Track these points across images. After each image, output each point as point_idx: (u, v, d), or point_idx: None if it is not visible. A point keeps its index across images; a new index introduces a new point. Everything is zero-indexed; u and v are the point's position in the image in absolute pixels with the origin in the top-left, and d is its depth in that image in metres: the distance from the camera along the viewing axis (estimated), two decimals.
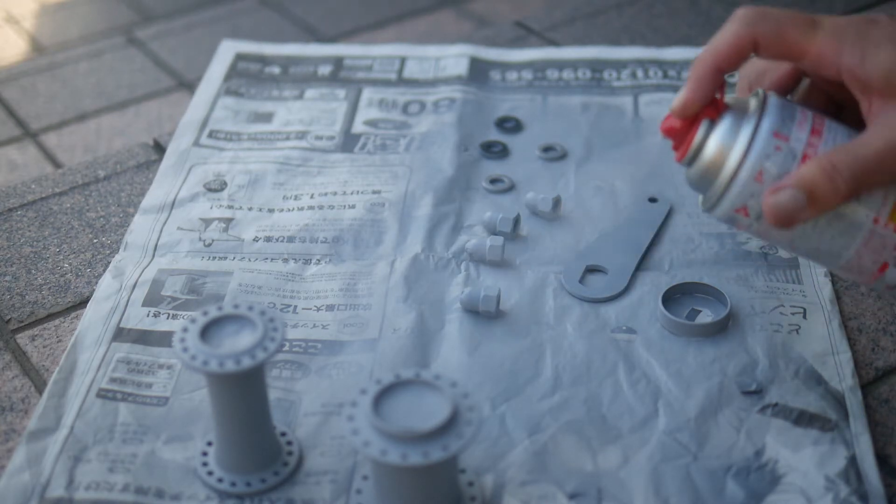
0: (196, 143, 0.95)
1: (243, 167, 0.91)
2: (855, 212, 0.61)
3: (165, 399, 0.69)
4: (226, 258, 0.81)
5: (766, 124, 0.61)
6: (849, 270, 0.64)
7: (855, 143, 0.60)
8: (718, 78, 0.62)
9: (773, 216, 0.60)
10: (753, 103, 0.62)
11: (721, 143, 0.62)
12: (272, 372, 0.70)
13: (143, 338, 0.73)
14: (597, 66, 1.04)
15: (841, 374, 0.69)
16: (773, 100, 0.62)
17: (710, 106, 0.63)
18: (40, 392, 0.71)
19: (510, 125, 0.96)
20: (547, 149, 0.92)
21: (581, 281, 0.77)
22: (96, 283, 0.80)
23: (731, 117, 0.62)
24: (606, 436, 0.66)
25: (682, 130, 0.64)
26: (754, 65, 0.67)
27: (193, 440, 0.66)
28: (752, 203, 0.62)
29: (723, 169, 0.62)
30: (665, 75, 1.01)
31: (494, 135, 0.95)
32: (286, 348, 0.72)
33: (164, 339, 0.73)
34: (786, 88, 0.67)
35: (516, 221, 0.82)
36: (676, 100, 0.63)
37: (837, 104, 0.66)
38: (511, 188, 0.88)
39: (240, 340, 0.59)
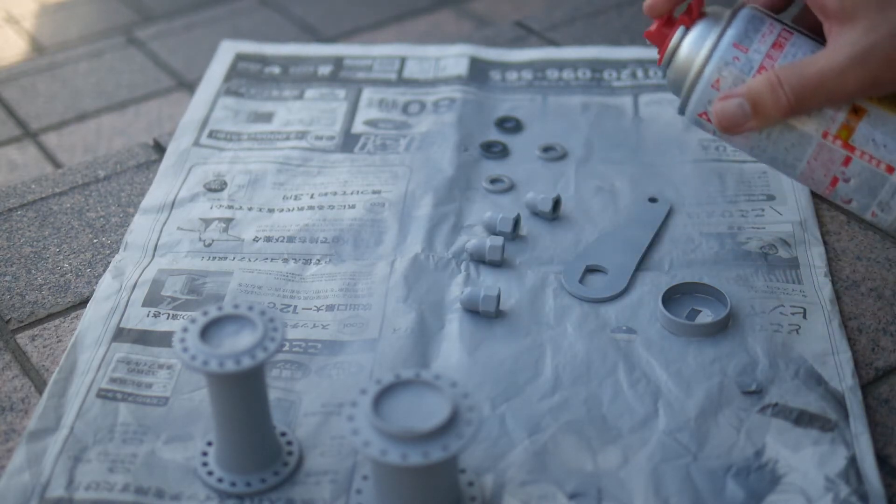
0: (196, 143, 0.95)
1: (243, 167, 0.91)
2: (805, 125, 0.66)
3: (165, 399, 0.69)
4: (226, 258, 0.81)
5: (729, 34, 0.66)
6: (806, 182, 0.69)
7: (804, 61, 0.64)
8: None
9: (719, 122, 0.65)
10: (728, 14, 0.67)
11: (690, 48, 0.68)
12: (272, 372, 0.70)
13: (143, 338, 0.73)
14: (597, 66, 1.04)
15: (841, 374, 0.69)
16: (743, 11, 0.67)
17: (686, 14, 0.68)
18: (40, 392, 0.71)
19: (510, 125, 0.96)
20: (547, 149, 0.92)
21: (581, 281, 0.77)
22: (96, 283, 0.80)
23: (704, 24, 0.68)
24: (606, 436, 0.66)
25: (662, 35, 0.70)
26: None
27: (193, 440, 0.66)
28: (710, 109, 0.67)
29: (689, 73, 0.68)
30: (665, 75, 1.01)
31: (494, 135, 0.95)
32: (286, 348, 0.72)
33: (164, 339, 0.73)
34: (777, 8, 0.70)
35: (516, 221, 0.82)
36: None
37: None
38: (511, 188, 0.88)
39: (240, 340, 0.59)
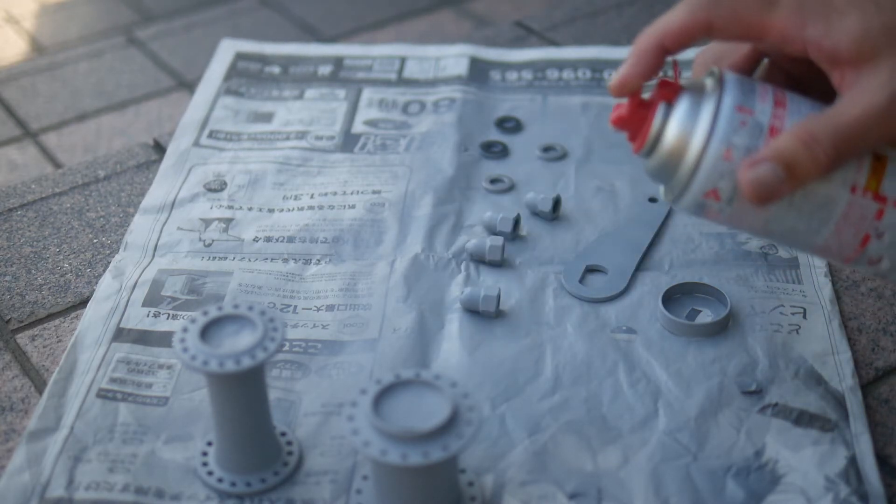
0: (196, 144, 0.95)
1: (243, 167, 0.91)
2: (830, 183, 0.58)
3: (165, 399, 0.69)
4: (226, 258, 0.81)
5: (728, 100, 0.58)
6: (828, 250, 0.61)
7: (832, 112, 0.58)
8: (661, 56, 0.59)
9: (753, 192, 0.57)
10: (710, 82, 0.59)
11: (682, 125, 0.58)
12: (272, 372, 0.70)
13: (143, 338, 0.73)
14: (597, 66, 1.04)
15: (841, 374, 0.69)
16: (730, 76, 0.59)
17: (664, 88, 0.60)
18: (40, 392, 0.71)
19: (510, 125, 0.96)
20: (547, 149, 0.92)
21: (581, 281, 0.77)
22: (96, 283, 0.80)
23: (689, 98, 0.59)
24: (606, 436, 0.66)
25: (637, 119, 0.60)
26: (711, 49, 0.65)
27: (193, 440, 0.66)
28: (722, 185, 0.58)
29: (687, 152, 0.58)
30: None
31: (494, 135, 0.95)
32: (286, 348, 0.72)
33: (164, 339, 0.73)
34: (745, 71, 0.64)
35: (516, 221, 0.82)
36: (614, 76, 0.60)
37: (797, 82, 0.64)
38: (511, 188, 0.88)
39: (240, 340, 0.59)
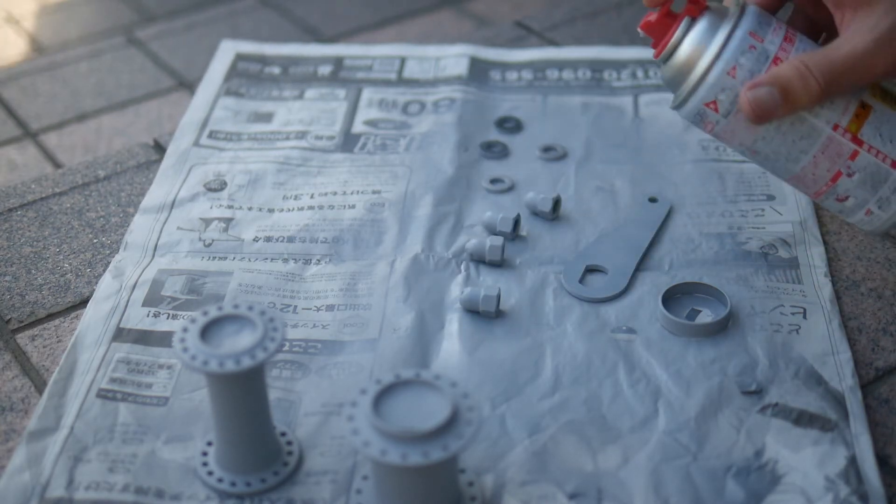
0: (196, 143, 0.95)
1: (243, 167, 0.91)
2: (817, 116, 0.67)
3: (165, 399, 0.69)
4: (226, 258, 0.81)
5: (744, 24, 0.67)
6: (802, 180, 0.69)
7: (827, 48, 0.66)
8: None
9: (751, 110, 0.66)
10: (733, 9, 0.68)
11: (698, 38, 0.68)
12: (272, 372, 0.70)
13: (143, 338, 0.73)
14: (597, 66, 1.04)
15: (841, 374, 0.69)
16: (751, 7, 0.68)
17: (692, 4, 0.68)
18: (40, 392, 0.71)
19: (510, 125, 0.96)
20: (547, 149, 0.92)
21: (581, 281, 0.77)
22: (96, 283, 0.80)
23: (711, 17, 0.68)
24: (606, 436, 0.66)
25: (662, 26, 0.69)
26: None
27: (193, 440, 0.66)
28: (722, 98, 0.67)
29: (698, 62, 0.67)
30: (664, 67, 1.01)
31: (494, 135, 0.95)
32: (286, 348, 0.72)
33: (164, 339, 0.73)
34: (769, 9, 0.71)
35: (516, 221, 0.81)
36: None
37: (818, 30, 0.72)
38: (511, 188, 0.88)
39: (240, 340, 0.59)
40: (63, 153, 1.17)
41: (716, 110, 0.68)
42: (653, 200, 0.85)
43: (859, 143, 0.67)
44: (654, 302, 0.75)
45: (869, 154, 0.67)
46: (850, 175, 0.68)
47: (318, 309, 0.76)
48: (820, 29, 0.72)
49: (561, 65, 1.04)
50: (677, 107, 0.70)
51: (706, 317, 0.74)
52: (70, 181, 0.92)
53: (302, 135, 0.96)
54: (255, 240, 0.83)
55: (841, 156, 0.67)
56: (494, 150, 0.92)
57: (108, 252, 0.83)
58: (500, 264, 0.79)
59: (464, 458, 0.63)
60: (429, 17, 1.43)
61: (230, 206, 0.86)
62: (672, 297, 0.75)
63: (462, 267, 0.79)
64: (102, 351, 0.72)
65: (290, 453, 0.65)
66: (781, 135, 0.68)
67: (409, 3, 1.46)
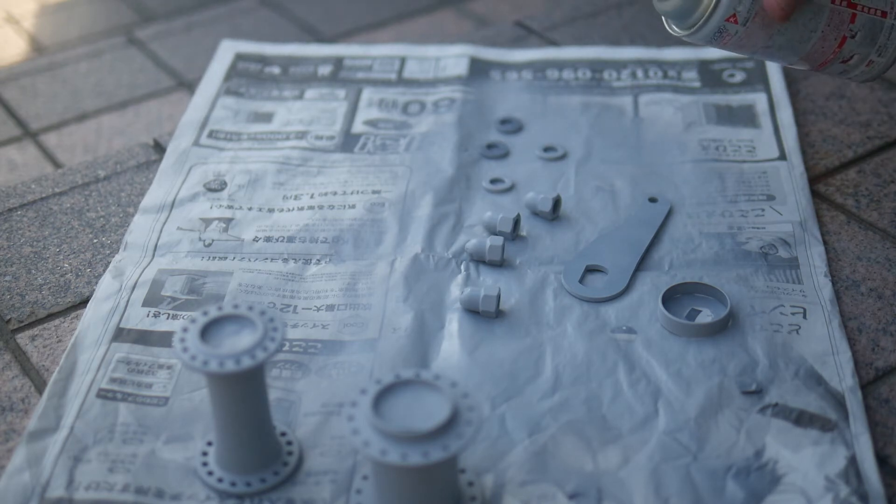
0: (196, 143, 0.95)
1: (243, 167, 0.91)
2: None
3: (165, 399, 0.69)
4: (226, 258, 0.81)
5: None
6: (811, 56, 0.77)
7: None
8: None
9: (779, 9, 0.72)
10: None
11: None
12: (272, 372, 0.70)
13: (143, 338, 0.73)
14: (597, 66, 1.04)
15: (841, 374, 0.69)
16: None
17: None
18: (40, 392, 0.71)
19: (510, 125, 0.96)
20: (547, 149, 0.92)
21: (581, 281, 0.77)
22: (96, 283, 0.80)
23: None
24: (606, 436, 0.66)
25: None
26: None
27: (193, 440, 0.66)
28: (740, 9, 0.73)
29: None
30: (665, 75, 1.01)
31: (495, 135, 0.95)
32: (286, 348, 0.72)
33: (164, 339, 0.73)
34: None
35: (516, 221, 0.81)
36: None
37: None
38: (511, 188, 0.88)
39: (240, 340, 0.59)
40: (63, 153, 1.17)
41: (735, 22, 0.73)
42: (653, 200, 0.85)
43: (853, 6, 0.75)
44: (654, 302, 0.75)
45: (863, 13, 0.75)
46: (853, 36, 0.76)
47: (318, 309, 0.76)
48: None
49: (561, 65, 1.04)
50: (694, 32, 0.75)
51: (706, 317, 0.74)
52: (70, 181, 0.92)
53: (302, 135, 0.96)
54: (255, 240, 0.83)
55: (843, 23, 0.75)
56: (494, 150, 0.92)
57: (108, 252, 0.83)
58: (500, 264, 0.79)
59: (464, 458, 0.63)
60: (429, 17, 1.43)
61: (230, 206, 0.86)
62: (672, 297, 0.75)
63: (462, 267, 0.79)
64: (102, 351, 0.72)
65: (290, 453, 0.65)
66: (793, 23, 0.74)
67: (408, 3, 1.46)
